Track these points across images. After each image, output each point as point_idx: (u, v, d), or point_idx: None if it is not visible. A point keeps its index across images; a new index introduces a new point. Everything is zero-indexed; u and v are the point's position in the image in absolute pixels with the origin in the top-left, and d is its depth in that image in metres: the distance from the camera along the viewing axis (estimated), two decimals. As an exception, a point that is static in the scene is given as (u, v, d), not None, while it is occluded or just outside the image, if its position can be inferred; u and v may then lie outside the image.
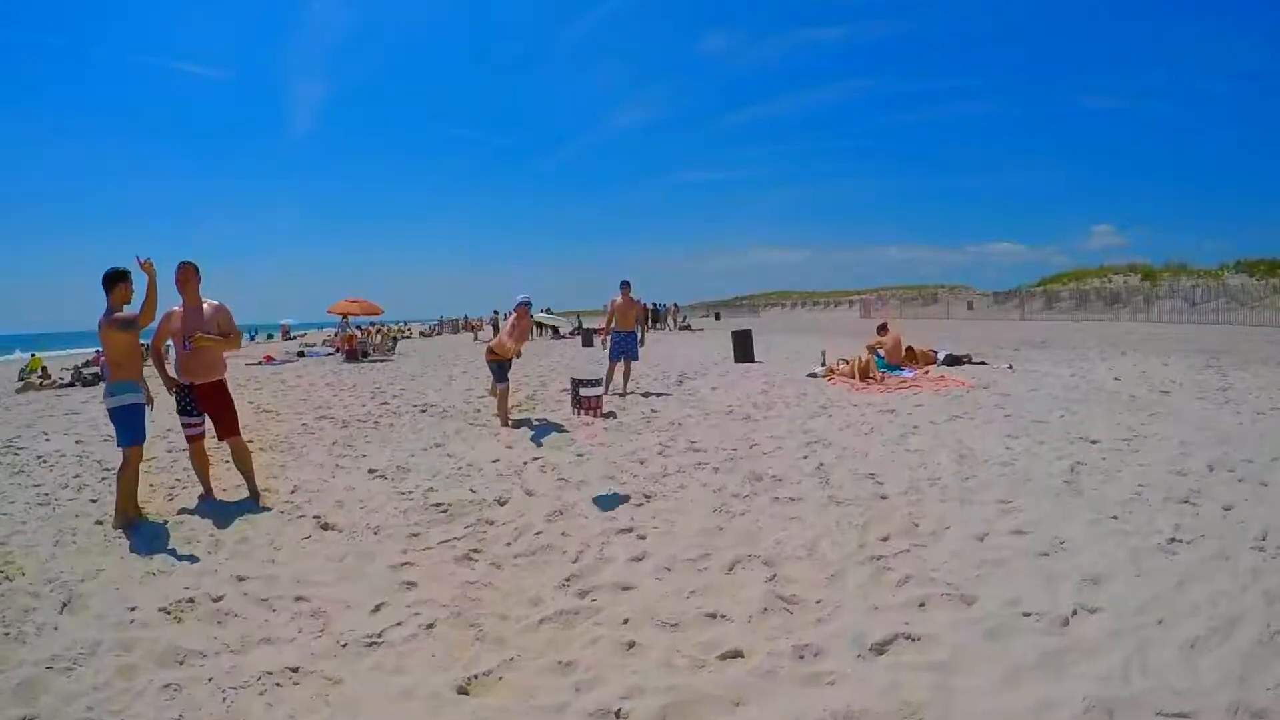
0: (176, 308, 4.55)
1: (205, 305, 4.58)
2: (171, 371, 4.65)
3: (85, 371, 14.30)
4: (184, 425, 4.68)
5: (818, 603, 2.90)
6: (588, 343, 20.57)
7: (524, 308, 7.61)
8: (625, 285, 9.68)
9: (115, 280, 4.14)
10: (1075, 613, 2.68)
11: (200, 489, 4.81)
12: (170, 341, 4.72)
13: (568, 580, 3.24)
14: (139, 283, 4.10)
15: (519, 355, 7.68)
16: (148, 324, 4.29)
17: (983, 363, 11.52)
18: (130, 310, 4.18)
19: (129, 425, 4.17)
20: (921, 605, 2.81)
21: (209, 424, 4.67)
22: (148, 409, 4.37)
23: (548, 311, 22.11)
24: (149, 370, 4.69)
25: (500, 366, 7.29)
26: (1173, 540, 3.32)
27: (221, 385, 4.67)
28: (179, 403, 4.64)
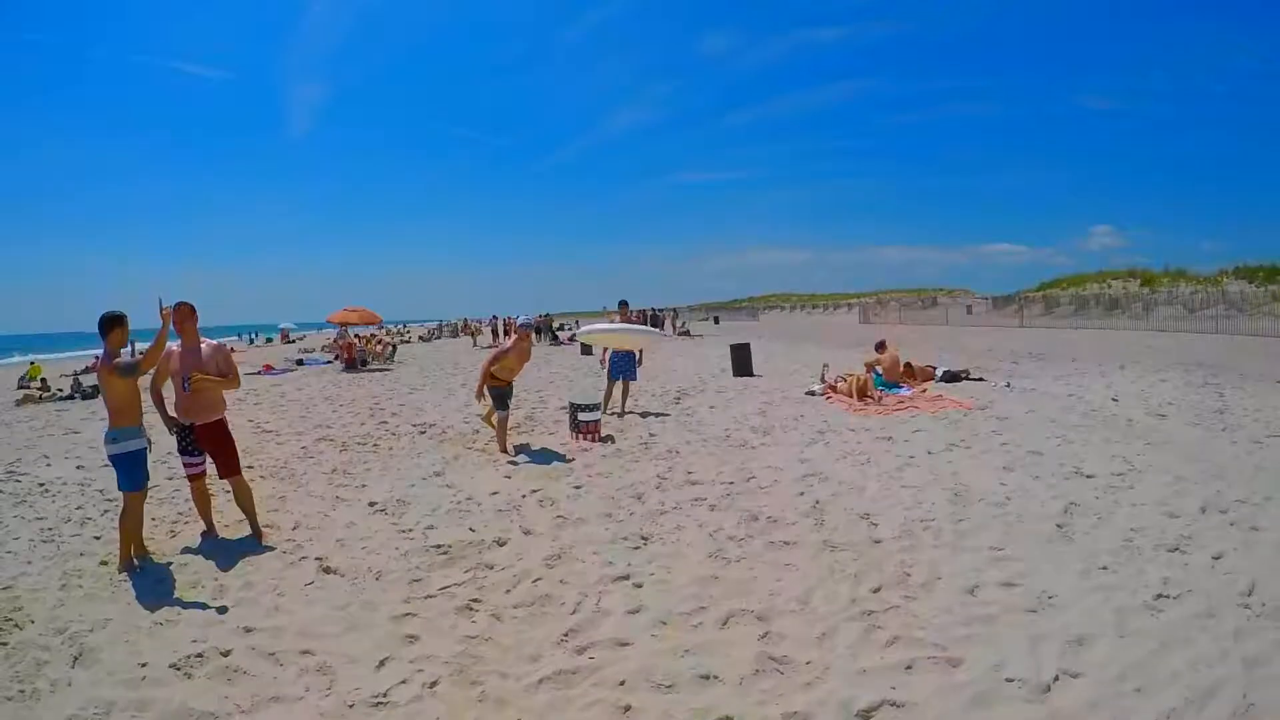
0: (175, 348, 4.57)
1: (203, 345, 4.62)
2: (171, 411, 4.69)
3: (85, 383, 14.35)
4: (185, 465, 4.74)
5: (807, 664, 2.97)
6: (586, 350, 20.63)
7: (526, 331, 7.67)
8: (623, 305, 9.75)
9: (112, 324, 4.16)
10: (1057, 678, 2.75)
11: (203, 525, 4.88)
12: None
13: (566, 635, 3.31)
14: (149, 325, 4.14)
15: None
16: (149, 369, 4.35)
17: (981, 379, 11.59)
18: (127, 354, 4.24)
19: (131, 471, 4.21)
20: (908, 668, 2.88)
21: (209, 461, 4.72)
22: (148, 451, 4.41)
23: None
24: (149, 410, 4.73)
25: (500, 393, 7.30)
26: (1159, 596, 3.39)
27: (221, 425, 4.70)
28: (179, 442, 4.69)
